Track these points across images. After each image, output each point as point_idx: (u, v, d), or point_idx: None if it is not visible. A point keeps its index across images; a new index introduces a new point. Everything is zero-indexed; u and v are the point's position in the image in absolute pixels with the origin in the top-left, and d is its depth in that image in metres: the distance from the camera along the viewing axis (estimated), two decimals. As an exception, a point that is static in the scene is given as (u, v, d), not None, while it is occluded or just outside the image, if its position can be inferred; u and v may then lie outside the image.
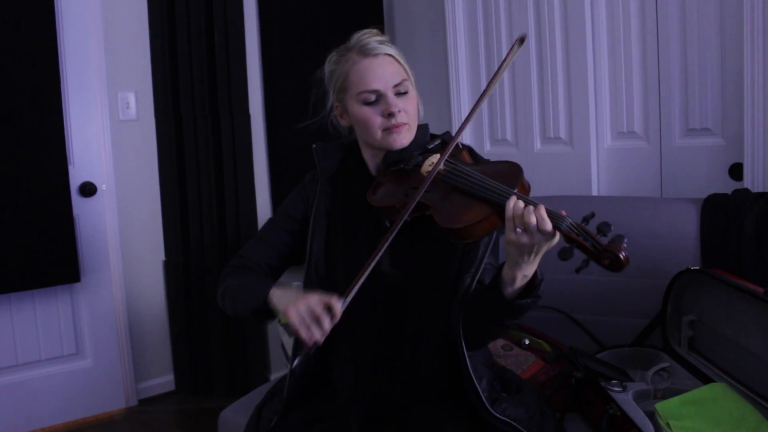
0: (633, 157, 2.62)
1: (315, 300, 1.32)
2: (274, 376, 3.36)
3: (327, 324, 1.30)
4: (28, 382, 3.02)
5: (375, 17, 3.51)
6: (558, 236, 1.24)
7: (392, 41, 3.50)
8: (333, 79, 1.58)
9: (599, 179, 2.71)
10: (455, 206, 1.36)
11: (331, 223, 1.58)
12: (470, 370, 1.43)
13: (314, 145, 1.65)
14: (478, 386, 1.43)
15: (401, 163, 1.52)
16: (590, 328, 2.18)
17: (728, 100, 2.34)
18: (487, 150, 3.02)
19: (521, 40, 1.50)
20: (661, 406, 1.62)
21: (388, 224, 1.47)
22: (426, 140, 1.58)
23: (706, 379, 1.79)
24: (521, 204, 1.25)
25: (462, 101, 3.10)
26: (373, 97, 1.50)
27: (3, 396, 2.95)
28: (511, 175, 1.37)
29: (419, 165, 1.51)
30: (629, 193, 2.60)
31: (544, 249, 1.26)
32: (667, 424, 1.57)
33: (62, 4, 2.96)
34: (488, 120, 3.05)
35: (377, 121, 1.50)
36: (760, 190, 2.18)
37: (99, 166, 3.13)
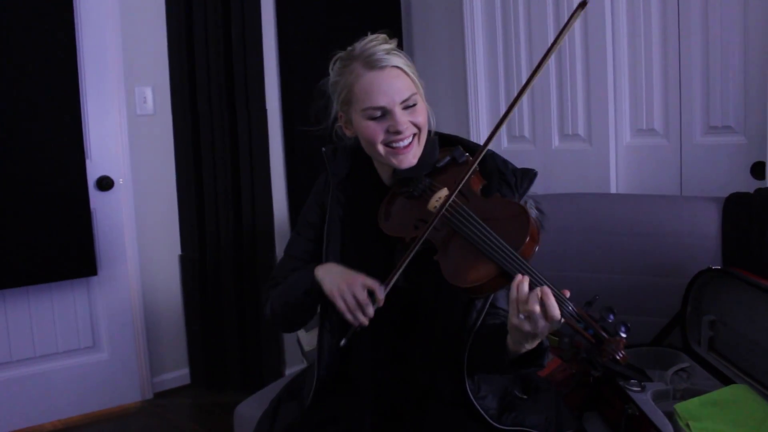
0: (653, 154, 2.59)
1: (359, 286, 1.34)
2: (289, 371, 3.36)
3: (371, 310, 1.33)
4: (45, 374, 3.04)
5: (392, 12, 3.50)
6: (562, 320, 1.21)
7: (409, 40, 3.54)
8: (337, 90, 1.51)
9: (618, 177, 2.68)
10: (460, 258, 1.33)
11: (345, 233, 1.55)
12: (470, 393, 1.42)
13: (323, 149, 1.61)
14: (479, 407, 1.42)
15: (410, 186, 1.48)
16: (608, 326, 2.16)
17: (751, 98, 2.31)
18: (504, 147, 3.01)
19: (583, 3, 1.39)
20: (681, 407, 1.60)
21: (398, 246, 1.45)
22: (435, 156, 1.52)
23: (726, 380, 1.77)
24: (526, 286, 1.21)
25: (480, 104, 3.08)
26: (378, 113, 1.43)
27: (20, 387, 2.98)
28: (518, 227, 1.31)
29: (427, 195, 1.45)
30: (648, 192, 2.57)
31: (548, 331, 1.23)
32: (687, 425, 1.55)
33: (81, -1, 2.98)
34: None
35: (382, 137, 1.44)
36: (783, 189, 2.15)
37: (116, 161, 3.14)
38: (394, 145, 1.45)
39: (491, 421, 1.42)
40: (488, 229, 1.31)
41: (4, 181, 2.78)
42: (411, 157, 1.47)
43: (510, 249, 1.27)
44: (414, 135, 1.46)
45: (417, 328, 1.49)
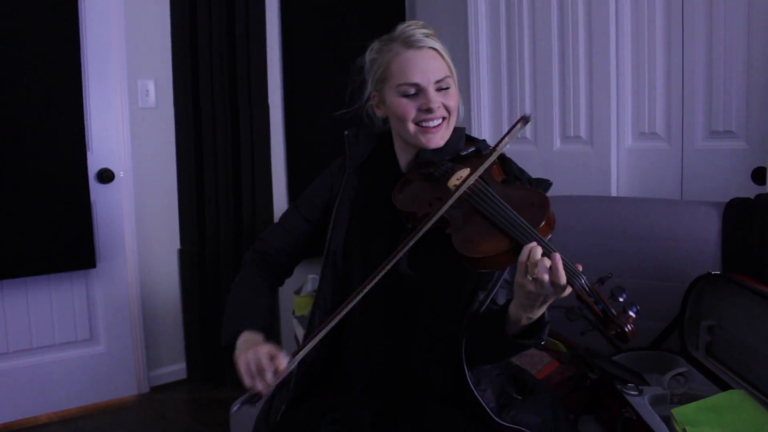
0: (654, 158, 2.59)
1: (264, 352, 1.32)
2: (286, 367, 3.36)
3: (270, 377, 1.31)
4: (42, 366, 3.04)
5: (397, 9, 3.50)
6: (569, 290, 1.21)
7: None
8: (373, 69, 1.55)
9: (619, 180, 2.68)
10: (474, 232, 1.33)
11: (354, 216, 1.56)
12: (470, 383, 1.41)
13: (346, 132, 1.62)
14: (480, 398, 1.42)
15: (431, 168, 1.49)
16: (606, 329, 2.16)
17: (753, 103, 2.31)
18: (507, 148, 2.99)
19: (525, 120, 1.47)
20: (678, 412, 1.60)
21: (408, 226, 1.45)
22: (460, 146, 1.54)
23: (723, 386, 1.77)
24: (538, 253, 1.21)
25: (482, 100, 3.08)
26: (412, 90, 1.48)
27: (17, 379, 2.97)
28: (538, 208, 1.32)
29: (447, 175, 1.47)
30: (649, 195, 2.57)
31: (552, 299, 1.23)
32: (684, 430, 1.55)
33: (85, -10, 2.97)
34: (508, 118, 3.03)
35: (413, 114, 1.48)
36: (784, 195, 2.15)
37: (117, 153, 3.14)
38: (424, 124, 1.48)
39: (492, 415, 1.41)
40: (508, 206, 1.32)
41: (4, 172, 2.77)
42: (439, 138, 1.50)
43: (528, 224, 1.27)
44: (444, 118, 1.49)
45: (417, 316, 1.49)
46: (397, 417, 1.46)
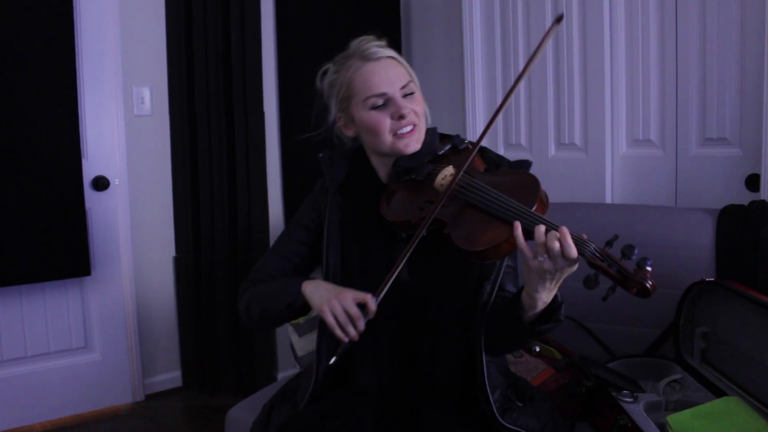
0: (648, 165, 2.60)
1: (349, 299, 1.33)
2: (282, 375, 3.36)
3: (362, 324, 1.32)
4: (36, 374, 3.03)
5: (392, 18, 3.50)
6: (577, 262, 1.22)
7: (408, 43, 3.54)
8: (335, 90, 1.54)
9: (613, 187, 2.69)
10: (472, 226, 1.33)
11: (345, 234, 1.55)
12: (485, 379, 1.42)
13: (320, 154, 1.62)
14: (491, 396, 1.42)
15: (413, 173, 1.49)
16: (602, 336, 2.16)
17: (747, 110, 2.32)
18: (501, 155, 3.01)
19: (559, 19, 1.46)
20: (673, 419, 1.60)
21: (403, 235, 1.45)
22: (436, 145, 1.54)
23: (718, 392, 1.77)
24: (543, 229, 1.22)
25: (477, 105, 3.09)
26: (381, 101, 1.47)
27: (11, 387, 2.96)
28: (528, 189, 1.33)
29: (431, 176, 1.47)
30: (643, 202, 2.58)
31: (565, 275, 1.24)
32: (679, 437, 1.55)
33: (80, -2, 2.97)
34: (503, 124, 3.03)
35: (387, 124, 1.47)
36: (778, 201, 2.15)
37: (112, 161, 3.14)
38: (399, 131, 1.47)
39: (497, 415, 1.42)
40: (499, 193, 1.33)
41: (-1, 179, 2.77)
42: (415, 141, 1.50)
43: (523, 206, 1.28)
44: (415, 125, 1.49)
45: (423, 321, 1.49)
46: (397, 421, 1.46)
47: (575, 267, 1.22)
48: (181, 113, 3.26)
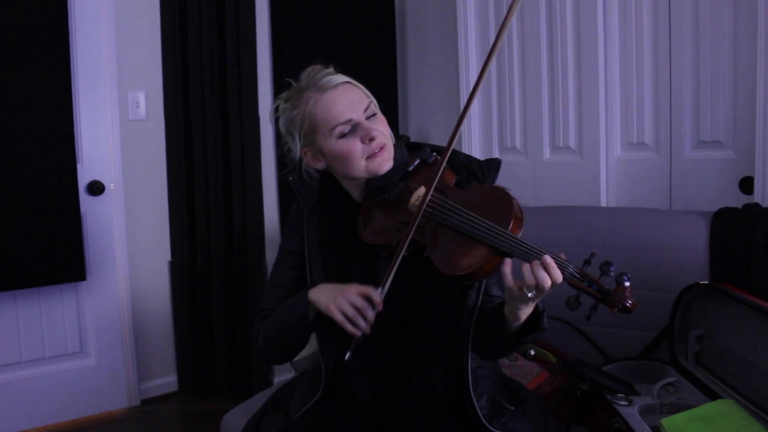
0: (642, 168, 2.60)
1: (354, 293, 1.34)
2: (278, 379, 3.35)
3: (371, 314, 1.32)
4: (32, 380, 3.02)
5: (387, 21, 3.51)
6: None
7: (403, 47, 3.55)
8: (296, 126, 1.52)
9: (608, 190, 2.70)
10: (450, 248, 1.33)
11: (326, 254, 1.54)
12: (470, 387, 1.42)
13: (290, 178, 1.60)
14: (476, 403, 1.42)
15: (385, 193, 1.48)
16: (596, 340, 2.17)
17: (740, 113, 2.33)
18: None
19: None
20: (668, 422, 1.60)
21: (383, 254, 1.46)
22: (405, 161, 1.53)
23: (713, 395, 1.78)
24: (529, 268, 1.23)
25: (472, 108, 3.08)
26: (348, 128, 1.45)
27: (6, 393, 2.95)
28: (501, 206, 1.33)
29: (404, 196, 1.46)
30: (638, 205, 2.58)
31: (546, 293, 1.25)
32: (673, 440, 1.55)
33: (75, 2, 2.97)
34: (497, 128, 3.04)
35: (359, 149, 1.46)
36: (771, 204, 2.16)
37: (107, 165, 3.13)
38: (370, 150, 1.46)
39: (484, 421, 1.42)
40: (472, 214, 1.33)
41: (-7, 184, 2.76)
42: (386, 160, 1.48)
43: (498, 227, 1.28)
44: (383, 144, 1.48)
45: (410, 333, 1.49)
46: (385, 429, 1.46)
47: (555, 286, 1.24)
48: (176, 117, 3.26)
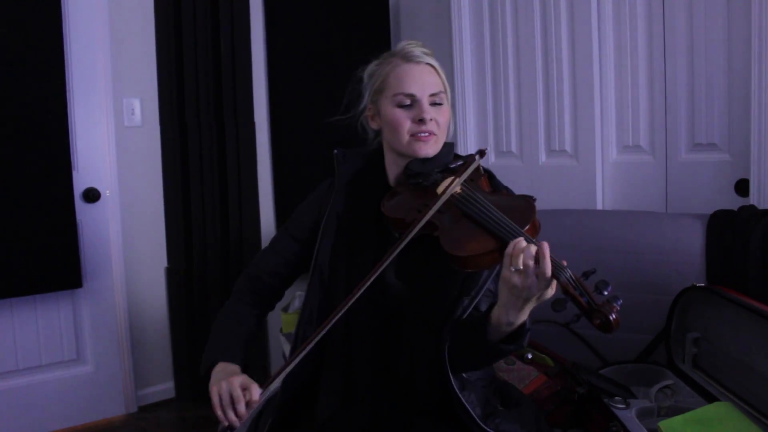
0: (638, 171, 2.60)
1: (236, 384, 1.36)
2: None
3: (242, 408, 1.34)
4: (29, 387, 3.01)
5: (381, 26, 3.51)
6: (554, 289, 1.24)
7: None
8: (372, 81, 1.59)
9: (604, 193, 2.70)
10: (462, 233, 1.36)
11: (340, 228, 1.58)
12: (455, 387, 1.42)
13: (335, 150, 1.66)
14: (465, 402, 1.42)
15: (420, 178, 1.52)
16: (593, 343, 2.17)
17: (735, 116, 2.33)
18: (492, 162, 3.02)
19: (481, 152, 1.53)
20: (665, 425, 1.60)
21: (396, 236, 1.47)
22: (449, 159, 1.58)
23: (710, 398, 1.78)
24: (523, 243, 1.24)
25: (467, 115, 3.09)
26: (408, 101, 1.52)
27: (3, 401, 2.94)
28: (524, 211, 1.36)
29: (437, 183, 1.50)
30: (634, 208, 2.58)
31: (536, 296, 1.25)
32: (671, 443, 1.55)
33: (69, 9, 2.97)
34: (493, 132, 3.04)
35: (407, 125, 1.51)
36: (767, 206, 2.16)
37: (103, 172, 3.13)
38: (417, 130, 1.51)
39: (478, 420, 1.41)
40: (495, 209, 1.36)
41: (-11, 192, 2.76)
42: (430, 146, 1.53)
43: (515, 225, 1.30)
44: (433, 133, 1.52)
45: (402, 326, 1.49)
46: (380, 430, 1.46)
47: (549, 292, 1.24)
48: (171, 124, 3.26)
